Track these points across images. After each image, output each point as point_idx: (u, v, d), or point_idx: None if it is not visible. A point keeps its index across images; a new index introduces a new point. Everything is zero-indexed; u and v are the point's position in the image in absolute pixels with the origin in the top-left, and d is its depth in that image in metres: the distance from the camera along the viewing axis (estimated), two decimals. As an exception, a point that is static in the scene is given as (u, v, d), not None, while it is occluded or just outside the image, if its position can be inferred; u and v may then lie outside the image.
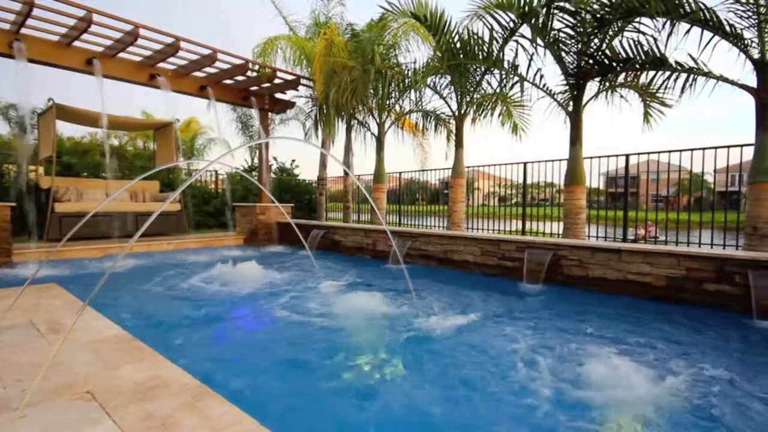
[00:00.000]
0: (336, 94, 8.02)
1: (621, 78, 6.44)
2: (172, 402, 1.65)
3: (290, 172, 14.38)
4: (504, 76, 7.53)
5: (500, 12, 6.44)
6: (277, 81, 9.06)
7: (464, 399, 2.18)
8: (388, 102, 9.03)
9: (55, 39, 6.73)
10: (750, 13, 4.72)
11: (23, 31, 6.38)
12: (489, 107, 8.27)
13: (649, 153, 6.17)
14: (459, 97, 7.96)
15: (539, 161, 7.48)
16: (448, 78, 7.89)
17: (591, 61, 6.21)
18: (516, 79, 7.28)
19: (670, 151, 5.97)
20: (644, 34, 5.59)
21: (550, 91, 6.82)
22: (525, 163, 7.69)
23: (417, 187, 11.93)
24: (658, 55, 5.56)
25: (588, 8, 5.82)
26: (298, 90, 9.77)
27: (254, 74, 8.64)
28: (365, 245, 7.42)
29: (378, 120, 9.19)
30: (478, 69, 7.52)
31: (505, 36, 6.72)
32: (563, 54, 6.39)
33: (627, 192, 6.66)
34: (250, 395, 2.11)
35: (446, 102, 8.29)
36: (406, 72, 8.53)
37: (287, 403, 2.10)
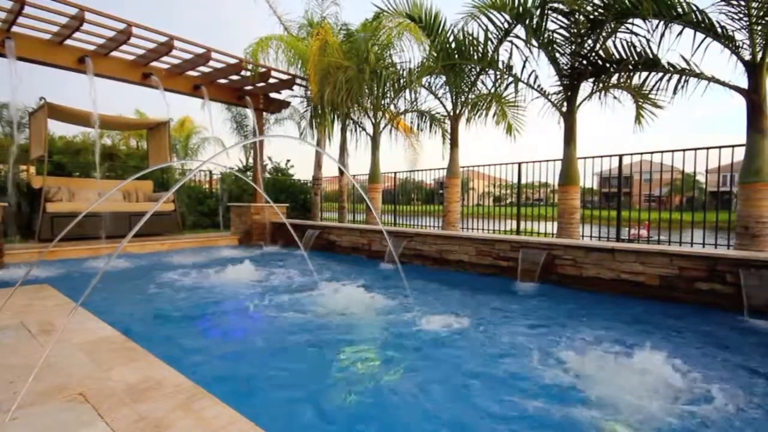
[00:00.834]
0: (331, 94, 8.01)
1: (614, 79, 6.49)
2: (165, 403, 1.63)
3: (285, 172, 14.33)
4: (499, 77, 7.56)
5: (495, 13, 6.48)
6: (271, 80, 9.03)
7: (462, 393, 2.20)
8: (383, 102, 9.03)
9: (47, 37, 6.66)
10: (741, 15, 4.77)
11: (14, 29, 6.31)
12: (484, 107, 8.29)
13: (642, 153, 6.23)
14: (454, 97, 7.98)
15: (534, 161, 7.52)
16: (443, 78, 7.91)
17: (585, 62, 6.25)
18: (510, 79, 7.31)
19: (662, 152, 6.03)
20: (637, 35, 5.64)
21: (545, 91, 6.86)
22: (520, 163, 7.73)
23: (412, 187, 11.94)
24: (650, 56, 5.61)
25: (581, 9, 5.86)
26: (293, 90, 9.75)
27: (249, 74, 8.61)
28: (361, 245, 7.41)
29: (373, 120, 9.18)
30: (473, 69, 7.55)
31: (499, 37, 6.76)
32: (557, 55, 6.43)
33: (620, 192, 6.71)
34: (238, 396, 2.10)
35: (441, 102, 8.31)
36: (401, 72, 8.53)
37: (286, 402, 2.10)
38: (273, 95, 9.90)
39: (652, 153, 6.10)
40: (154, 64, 7.79)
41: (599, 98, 6.76)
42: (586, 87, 6.54)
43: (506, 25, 6.56)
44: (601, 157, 6.65)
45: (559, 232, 6.55)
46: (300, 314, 3.65)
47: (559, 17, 6.13)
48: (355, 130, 10.32)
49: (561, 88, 6.56)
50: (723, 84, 5.12)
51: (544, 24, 6.20)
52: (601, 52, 6.11)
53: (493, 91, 7.91)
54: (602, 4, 5.59)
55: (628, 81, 6.49)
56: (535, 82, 6.91)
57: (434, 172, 9.51)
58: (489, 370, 2.51)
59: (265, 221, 9.25)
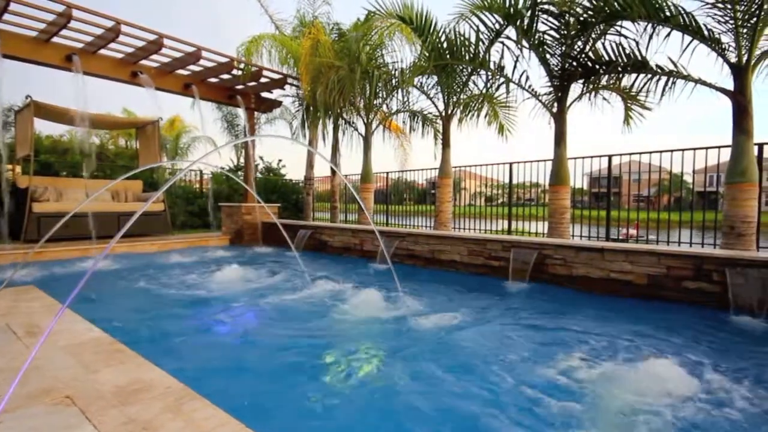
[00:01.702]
0: (323, 94, 7.99)
1: (604, 80, 6.56)
2: (154, 405, 1.62)
3: (277, 172, 14.27)
4: (490, 77, 7.60)
5: (486, 13, 6.50)
6: (263, 80, 8.98)
7: (450, 388, 2.21)
8: (375, 102, 9.02)
9: (33, 35, 6.55)
10: (727, 18, 4.86)
11: (-1, 26, 6.20)
12: (475, 108, 8.33)
13: (630, 154, 6.30)
14: (446, 97, 8.00)
15: (525, 161, 7.58)
16: (435, 78, 7.93)
17: (575, 64, 6.31)
18: (502, 80, 7.35)
19: (650, 152, 6.12)
20: (626, 37, 5.71)
21: (535, 92, 6.91)
22: (511, 164, 7.78)
23: (404, 187, 11.95)
24: (639, 58, 5.69)
25: (571, 11, 5.91)
26: (284, 89, 9.71)
27: (240, 73, 8.56)
28: (353, 245, 7.40)
29: (365, 120, 9.18)
30: (464, 70, 7.58)
31: (491, 37, 6.79)
32: (548, 56, 6.48)
33: (609, 192, 6.78)
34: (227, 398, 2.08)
35: (433, 102, 8.33)
36: (393, 72, 8.54)
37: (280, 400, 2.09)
38: (264, 95, 9.85)
39: (640, 153, 6.17)
40: (144, 62, 7.70)
41: (589, 99, 6.83)
42: (576, 88, 6.61)
43: (497, 26, 6.60)
44: (591, 157, 6.72)
45: (549, 231, 6.60)
46: (289, 313, 3.64)
47: (550, 19, 6.18)
48: (348, 130, 10.31)
49: (551, 89, 6.62)
50: (710, 86, 5.21)
51: (534, 25, 6.25)
52: (590, 54, 6.17)
53: (484, 91, 7.96)
54: (591, 6, 5.66)
55: (617, 82, 6.56)
56: (526, 82, 6.97)
57: (426, 172, 9.54)
58: (488, 362, 2.52)
59: (257, 221, 9.19)
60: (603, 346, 2.85)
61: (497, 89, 7.88)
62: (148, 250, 7.54)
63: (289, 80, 9.38)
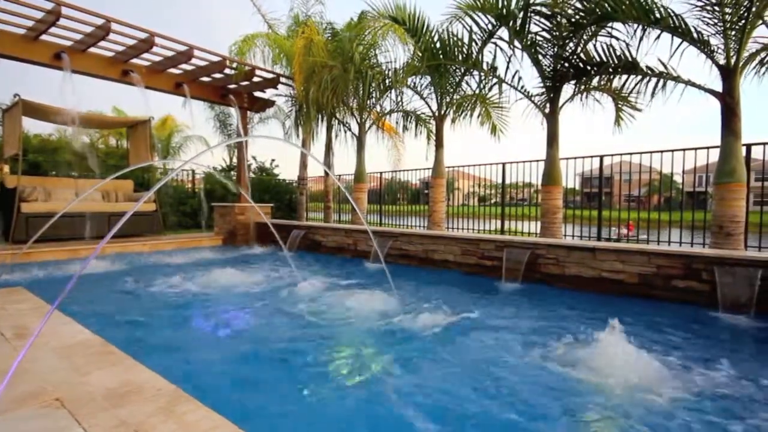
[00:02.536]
0: (316, 93, 7.96)
1: (595, 81, 6.61)
2: (146, 408, 1.60)
3: (270, 172, 14.20)
4: (483, 78, 7.63)
5: (479, 14, 6.53)
6: (256, 79, 8.93)
7: (439, 385, 2.21)
8: (368, 102, 9.01)
9: (22, 32, 6.45)
10: (716, 21, 4.92)
11: (-14, 23, 6.10)
12: (469, 108, 8.35)
13: (621, 154, 6.37)
14: (439, 97, 8.02)
15: (518, 162, 7.61)
16: (428, 78, 7.94)
17: (567, 65, 6.36)
18: (495, 80, 7.38)
19: (641, 153, 6.18)
20: (617, 39, 5.76)
21: (528, 93, 6.95)
22: (504, 164, 7.82)
23: (398, 187, 11.96)
24: (630, 59, 5.74)
25: (563, 12, 5.96)
26: (277, 88, 9.66)
27: (232, 72, 8.50)
28: (346, 245, 7.39)
29: (359, 120, 9.17)
30: (457, 70, 7.60)
31: (483, 38, 6.82)
32: (540, 57, 6.52)
33: (601, 192, 6.84)
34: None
35: (426, 102, 8.34)
36: (386, 72, 8.54)
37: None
38: (257, 94, 9.79)
39: (631, 154, 6.24)
40: (135, 61, 7.61)
41: (581, 100, 6.88)
42: (568, 89, 6.65)
43: (490, 27, 6.62)
44: (583, 158, 6.77)
45: (542, 231, 6.65)
46: (280, 313, 3.62)
47: (542, 20, 6.22)
48: (341, 130, 10.29)
49: (544, 89, 6.66)
50: (699, 87, 5.28)
51: (527, 26, 6.28)
52: (582, 55, 6.22)
53: (477, 91, 7.98)
54: (583, 8, 5.70)
55: (609, 84, 6.62)
56: (518, 83, 7.00)
57: (420, 172, 9.55)
58: (488, 362, 2.53)
59: (250, 221, 9.15)
60: (590, 343, 2.88)
61: (490, 90, 7.91)
62: (140, 251, 7.47)
63: (283, 80, 9.34)
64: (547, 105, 6.66)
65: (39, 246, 6.34)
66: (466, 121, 8.48)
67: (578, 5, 5.78)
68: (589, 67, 6.23)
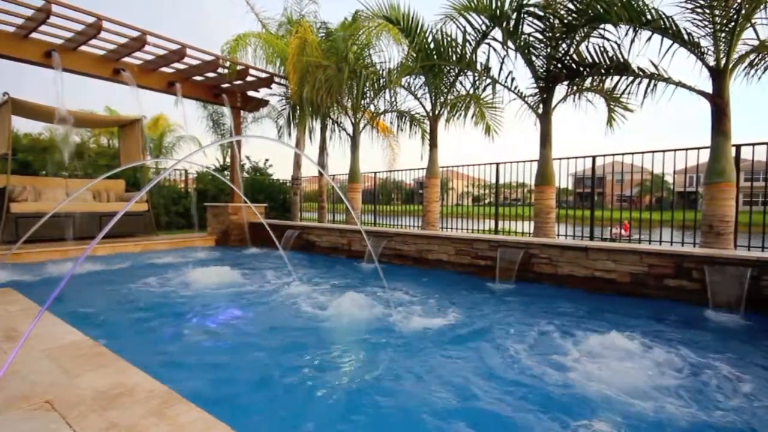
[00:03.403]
0: (310, 93, 7.95)
1: (587, 82, 6.66)
2: (137, 410, 1.59)
3: (264, 172, 14.14)
4: (477, 78, 7.66)
5: (472, 14, 6.55)
6: (249, 78, 8.89)
7: (431, 385, 2.22)
8: (363, 102, 9.01)
9: (11, 30, 6.36)
10: (706, 23, 4.98)
11: (-26, 20, 6.01)
12: (463, 108, 8.38)
13: (614, 155, 6.42)
14: (433, 97, 8.03)
15: (511, 162, 7.65)
16: (423, 79, 7.96)
17: (559, 65, 6.40)
18: (488, 81, 7.41)
19: (633, 153, 6.23)
20: (609, 40, 5.81)
21: (521, 93, 6.99)
22: (498, 164, 7.85)
23: (392, 186, 11.96)
24: (621, 60, 5.79)
25: (556, 14, 5.99)
26: (271, 88, 9.62)
27: (225, 71, 8.45)
28: (340, 245, 7.38)
29: (353, 119, 9.16)
30: (451, 70, 7.62)
31: (477, 38, 6.84)
32: (533, 58, 6.56)
33: (594, 192, 6.90)
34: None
35: (420, 102, 8.35)
36: (380, 72, 8.54)
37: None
38: (251, 93, 9.75)
39: (623, 154, 6.29)
40: (126, 59, 7.55)
41: (573, 101, 6.93)
42: (561, 90, 6.70)
43: (484, 28, 6.65)
44: (576, 158, 6.82)
45: (535, 231, 6.68)
46: (273, 313, 3.61)
47: (535, 21, 6.26)
48: (335, 130, 10.27)
49: (537, 90, 6.70)
50: (689, 88, 5.33)
51: (520, 27, 6.32)
52: (574, 56, 6.27)
53: (471, 92, 8.01)
54: (575, 9, 5.74)
55: (601, 84, 6.68)
56: (512, 84, 7.04)
57: (414, 172, 9.55)
58: (481, 365, 2.54)
59: (243, 222, 9.10)
60: (580, 341, 2.91)
61: (484, 90, 7.95)
62: (131, 251, 7.40)
63: (276, 79, 9.30)
64: (541, 105, 6.69)
65: (29, 246, 6.26)
66: (461, 121, 8.52)
67: (570, 6, 5.82)
68: (581, 68, 6.28)
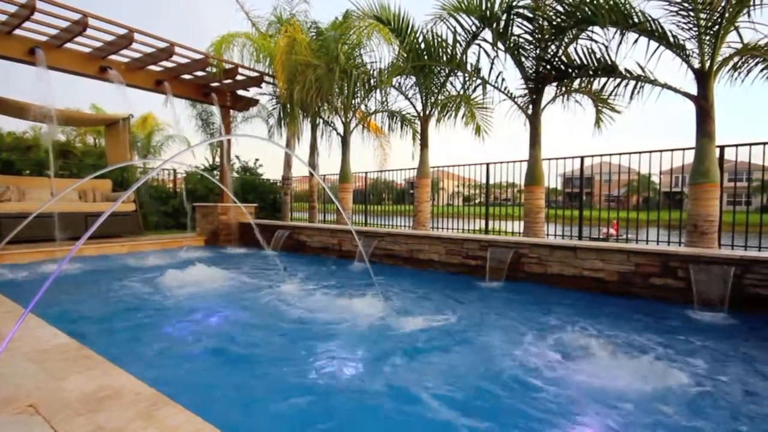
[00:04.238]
0: (301, 93, 7.91)
1: (576, 84, 6.74)
2: (125, 413, 1.56)
3: (254, 172, 14.04)
4: (467, 79, 7.69)
5: (463, 15, 6.58)
6: (239, 77, 8.81)
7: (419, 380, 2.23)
8: (353, 101, 9.00)
9: (-7, 26, 6.23)
10: (691, 25, 5.07)
11: (-45, 16, 5.87)
12: (453, 108, 8.41)
13: (602, 155, 6.50)
14: (424, 98, 8.05)
15: (501, 162, 7.71)
16: (413, 79, 7.97)
17: (548, 67, 6.46)
18: (479, 81, 7.45)
19: (620, 154, 6.33)
20: (596, 42, 5.88)
21: (511, 94, 7.04)
22: (488, 164, 7.90)
23: (383, 187, 11.97)
24: (609, 62, 5.87)
25: (545, 15, 6.05)
26: (261, 87, 9.55)
27: (215, 70, 8.37)
28: (331, 245, 7.36)
29: (343, 119, 9.14)
30: (442, 71, 7.64)
31: (467, 39, 6.87)
32: (523, 59, 6.61)
33: (582, 192, 6.98)
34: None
35: (411, 103, 8.37)
36: (371, 72, 8.53)
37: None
38: (241, 92, 9.67)
39: (611, 155, 6.38)
40: (113, 57, 7.43)
41: (562, 102, 7.01)
42: (550, 91, 6.77)
43: (474, 28, 6.68)
44: (565, 158, 6.89)
45: (525, 231, 6.74)
46: (263, 314, 3.58)
47: (524, 22, 6.31)
48: (326, 130, 10.24)
49: (526, 91, 6.75)
50: (675, 90, 5.43)
51: (510, 28, 6.36)
52: (563, 58, 6.34)
53: (462, 92, 8.04)
54: (564, 11, 5.80)
55: (589, 86, 6.75)
56: (502, 84, 7.09)
57: (405, 172, 9.57)
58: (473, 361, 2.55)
59: (232, 222, 9.02)
60: (570, 340, 2.94)
61: (474, 90, 7.99)
62: (118, 252, 7.29)
63: (267, 78, 9.24)
64: (530, 106, 6.75)
65: (12, 247, 6.14)
66: (451, 121, 8.56)
67: (559, 8, 5.88)
68: (570, 70, 6.35)
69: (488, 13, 6.28)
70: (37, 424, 1.48)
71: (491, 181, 7.97)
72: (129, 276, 5.23)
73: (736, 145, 5.24)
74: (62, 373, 1.91)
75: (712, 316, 3.61)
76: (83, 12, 6.19)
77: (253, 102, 10.27)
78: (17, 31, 6.36)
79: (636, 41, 5.47)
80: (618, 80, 6.06)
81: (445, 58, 7.22)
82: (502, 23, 6.33)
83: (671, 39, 5.19)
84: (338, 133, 9.57)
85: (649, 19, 5.16)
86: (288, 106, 9.01)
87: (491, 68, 6.97)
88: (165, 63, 7.86)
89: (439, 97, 8.11)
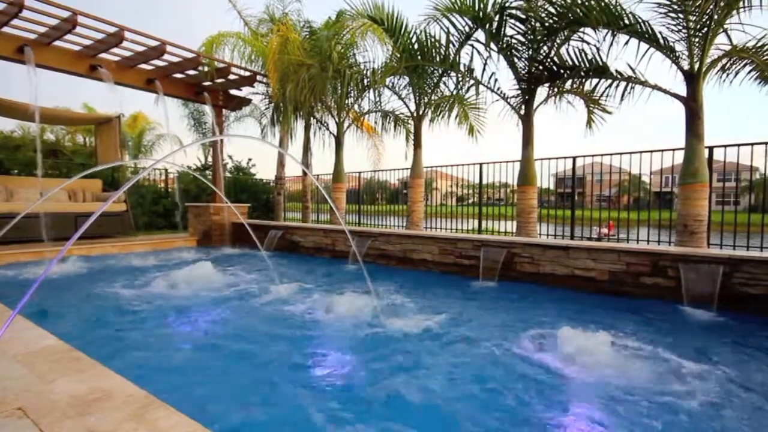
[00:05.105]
0: (294, 92, 7.88)
1: (568, 84, 6.79)
2: (116, 415, 1.55)
3: (247, 171, 13.97)
4: (460, 79, 7.72)
5: (456, 16, 6.60)
6: (231, 77, 8.76)
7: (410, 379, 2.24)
8: (347, 101, 8.99)
9: (-20, 24, 6.13)
10: (680, 27, 5.14)
11: (-60, 13, 5.76)
12: (446, 108, 8.44)
13: (593, 155, 6.57)
14: (417, 98, 8.07)
15: (494, 162, 7.75)
16: (407, 79, 7.99)
17: (541, 68, 6.51)
18: (472, 82, 7.49)
19: (612, 154, 6.40)
20: (588, 43, 5.94)
21: (504, 94, 7.08)
22: (481, 164, 7.94)
23: (377, 186, 11.97)
24: (600, 63, 5.93)
25: (537, 17, 6.09)
26: (254, 86, 9.50)
27: (206, 69, 8.31)
28: (325, 245, 7.34)
29: (337, 119, 9.13)
30: (435, 71, 7.66)
31: (461, 40, 6.90)
32: (515, 60, 6.65)
33: (574, 192, 7.04)
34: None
35: (405, 103, 8.38)
36: (365, 72, 8.53)
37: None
38: (233, 92, 9.60)
39: (602, 155, 6.45)
40: (103, 55, 7.34)
41: (554, 102, 7.06)
42: (542, 91, 6.82)
43: (467, 29, 6.70)
44: (557, 158, 6.95)
45: (518, 230, 6.78)
46: (255, 315, 3.56)
47: (517, 23, 6.35)
48: (319, 130, 10.22)
49: (519, 91, 6.80)
50: (665, 92, 5.49)
51: (502, 29, 6.40)
52: (555, 59, 6.38)
53: (455, 93, 8.07)
54: (556, 12, 5.85)
55: (581, 87, 6.81)
56: (495, 85, 7.12)
57: (398, 172, 9.60)
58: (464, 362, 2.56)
59: (225, 222, 8.96)
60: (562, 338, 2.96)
61: (467, 91, 8.02)
62: (109, 252, 7.21)
63: (260, 78, 9.20)
64: (523, 107, 6.80)
65: (0, 248, 6.03)
66: (444, 121, 8.58)
67: (551, 10, 5.92)
68: (562, 71, 6.39)
69: (481, 13, 6.31)
70: (26, 427, 1.46)
71: (484, 181, 8.01)
72: (119, 277, 5.18)
73: (725, 146, 5.32)
74: (51, 375, 1.88)
75: (701, 314, 3.66)
76: (73, 9, 6.11)
77: (246, 101, 10.21)
78: (5, 29, 6.26)
79: (627, 43, 5.53)
80: (609, 81, 6.12)
81: (438, 59, 7.24)
82: (495, 24, 6.36)
83: (661, 41, 5.26)
84: (331, 133, 9.57)
85: (640, 20, 5.21)
86: (281, 105, 8.98)
87: (484, 69, 7.01)
88: (156, 62, 7.78)
89: (433, 98, 8.13)
